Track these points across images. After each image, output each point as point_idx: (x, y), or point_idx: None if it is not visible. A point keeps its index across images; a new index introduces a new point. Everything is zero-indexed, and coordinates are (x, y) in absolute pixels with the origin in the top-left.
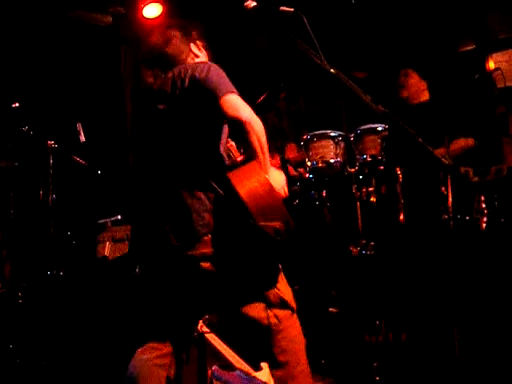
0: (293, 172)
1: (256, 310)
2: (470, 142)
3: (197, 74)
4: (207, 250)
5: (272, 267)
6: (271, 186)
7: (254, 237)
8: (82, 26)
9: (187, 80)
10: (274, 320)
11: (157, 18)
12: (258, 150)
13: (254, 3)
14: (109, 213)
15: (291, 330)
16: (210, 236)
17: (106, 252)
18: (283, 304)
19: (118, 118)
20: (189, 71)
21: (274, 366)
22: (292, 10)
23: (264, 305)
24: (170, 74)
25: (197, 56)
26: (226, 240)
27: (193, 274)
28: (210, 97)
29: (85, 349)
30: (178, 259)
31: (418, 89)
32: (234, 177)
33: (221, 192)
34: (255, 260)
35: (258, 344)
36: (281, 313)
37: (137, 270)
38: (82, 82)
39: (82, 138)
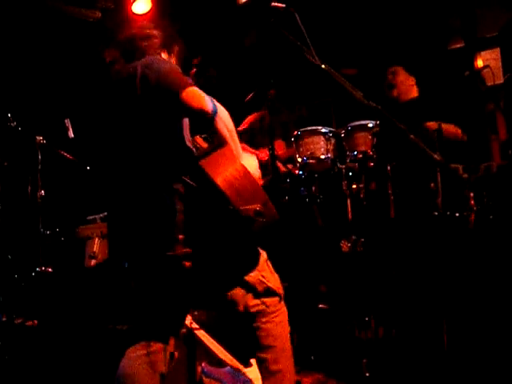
0: (282, 169)
1: (243, 300)
2: (459, 131)
3: (147, 71)
4: (187, 247)
5: (253, 252)
6: (246, 170)
7: (235, 222)
8: (72, 21)
9: (139, 77)
10: (261, 307)
11: (146, 13)
12: (227, 136)
13: None
14: (98, 209)
15: (278, 316)
16: (188, 232)
17: (95, 248)
18: (270, 292)
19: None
20: (138, 68)
21: (258, 349)
22: (283, 5)
23: (251, 294)
24: (126, 68)
25: None
26: (205, 232)
27: (176, 273)
28: (167, 93)
29: (74, 347)
30: (160, 259)
31: (407, 86)
32: (207, 165)
33: (193, 184)
34: (237, 247)
35: (246, 331)
36: (268, 300)
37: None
38: (71, 78)
39: (71, 134)
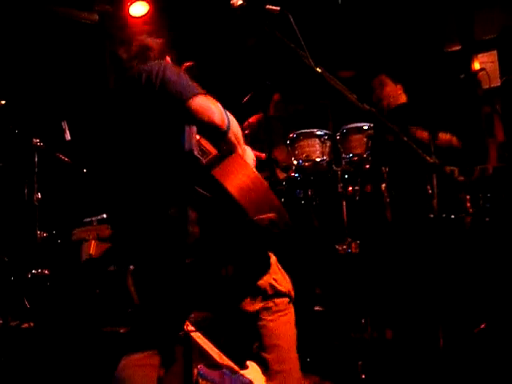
0: (280, 175)
1: (253, 305)
2: (454, 139)
3: (153, 78)
4: (199, 255)
5: (264, 258)
6: (259, 178)
7: (250, 231)
8: (69, 24)
9: (144, 84)
10: (270, 304)
11: (143, 16)
12: (236, 144)
13: (241, 1)
14: (94, 211)
15: (285, 315)
16: (201, 241)
17: (92, 250)
18: (280, 294)
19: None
20: (143, 75)
21: (261, 349)
22: (278, 8)
23: (261, 297)
24: (130, 73)
25: None
26: (218, 240)
27: (186, 279)
28: (172, 101)
29: (70, 350)
30: (171, 266)
31: (395, 94)
32: (220, 175)
33: (207, 194)
34: (249, 254)
35: (247, 332)
36: (278, 300)
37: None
38: (68, 80)
39: (68, 137)
